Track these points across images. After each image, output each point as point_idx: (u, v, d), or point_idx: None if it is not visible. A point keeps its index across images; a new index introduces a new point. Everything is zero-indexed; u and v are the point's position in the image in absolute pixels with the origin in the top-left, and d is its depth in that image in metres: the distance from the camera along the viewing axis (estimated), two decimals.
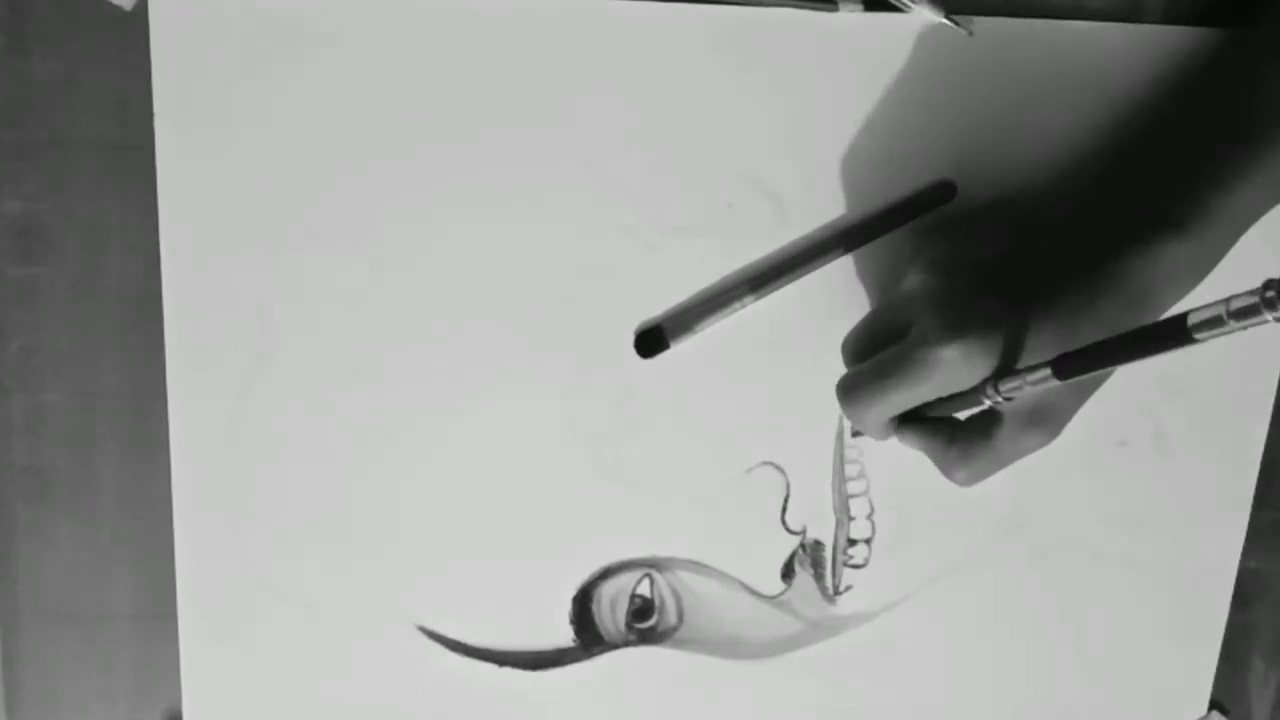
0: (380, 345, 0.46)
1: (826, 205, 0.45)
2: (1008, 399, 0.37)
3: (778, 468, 0.48)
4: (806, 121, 0.45)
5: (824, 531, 0.49)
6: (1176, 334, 0.29)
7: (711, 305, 0.46)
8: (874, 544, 0.49)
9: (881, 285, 0.46)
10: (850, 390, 0.41)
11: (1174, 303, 0.40)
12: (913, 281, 0.41)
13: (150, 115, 0.43)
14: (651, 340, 0.46)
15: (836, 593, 0.50)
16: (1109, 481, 0.49)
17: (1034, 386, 0.36)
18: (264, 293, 0.45)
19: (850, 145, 0.45)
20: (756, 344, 0.47)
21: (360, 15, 0.43)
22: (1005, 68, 0.44)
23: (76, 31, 0.43)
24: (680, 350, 0.47)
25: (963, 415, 0.41)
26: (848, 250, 0.45)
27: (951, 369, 0.38)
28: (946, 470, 0.41)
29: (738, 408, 0.47)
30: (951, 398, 0.39)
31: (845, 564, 0.49)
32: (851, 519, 0.49)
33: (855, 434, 0.48)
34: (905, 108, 0.45)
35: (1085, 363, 0.34)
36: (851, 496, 0.49)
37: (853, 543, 0.49)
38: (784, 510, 0.49)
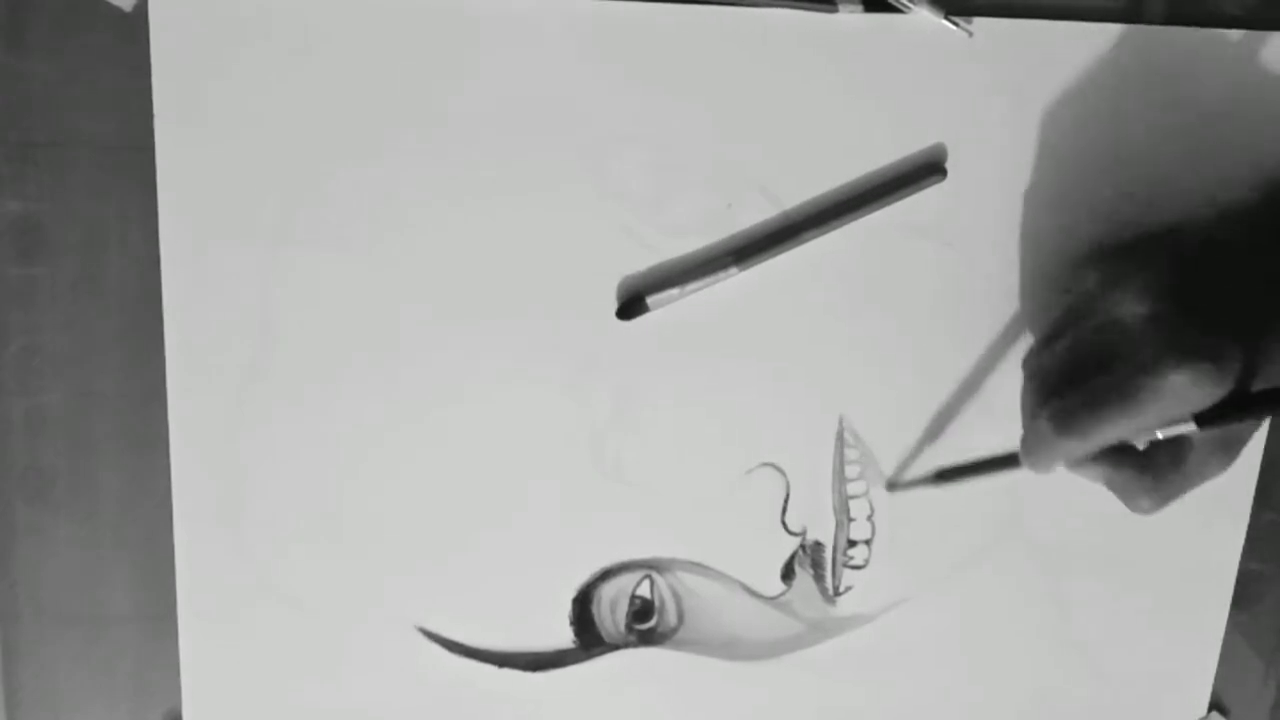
0: (380, 345, 0.46)
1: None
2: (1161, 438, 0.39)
3: (778, 468, 0.48)
4: (807, 121, 0.45)
5: (824, 532, 0.49)
6: None
7: (696, 272, 0.45)
8: (874, 545, 0.49)
9: (893, 289, 0.46)
10: (1068, 420, 0.39)
11: None
12: (1127, 309, 0.40)
13: (150, 115, 0.43)
14: (632, 302, 0.46)
15: (836, 593, 0.50)
16: None
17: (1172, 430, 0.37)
18: (264, 293, 0.45)
19: (850, 145, 0.45)
20: (757, 344, 0.47)
21: (361, 15, 0.43)
22: (1006, 68, 0.44)
23: (76, 31, 0.43)
24: (681, 350, 0.47)
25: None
26: (833, 222, 0.45)
27: (1177, 396, 0.37)
28: (1132, 499, 0.41)
29: (738, 408, 0.47)
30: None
31: (845, 565, 0.49)
32: (851, 520, 0.49)
33: (1025, 459, 0.43)
34: (905, 108, 0.45)
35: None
36: (851, 497, 0.49)
37: (853, 543, 0.49)
38: (784, 511, 0.49)
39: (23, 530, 0.47)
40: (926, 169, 0.45)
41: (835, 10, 0.43)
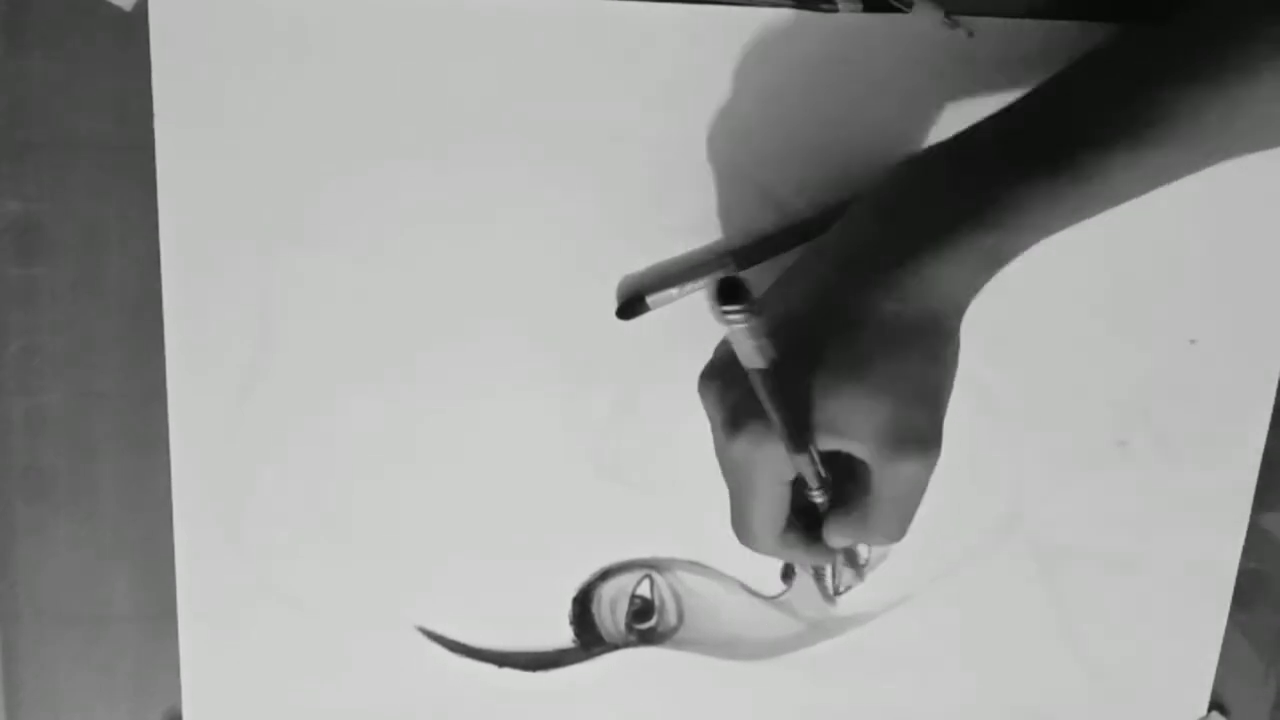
0: (380, 345, 0.46)
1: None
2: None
3: None
4: (807, 121, 0.45)
5: None
6: None
7: (696, 272, 0.45)
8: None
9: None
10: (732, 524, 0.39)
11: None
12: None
13: (150, 115, 0.43)
14: (631, 303, 0.46)
15: (836, 593, 0.49)
16: (1108, 482, 0.49)
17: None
18: (264, 293, 0.45)
19: (851, 145, 0.45)
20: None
21: (360, 15, 0.43)
22: (1005, 68, 0.44)
23: (76, 31, 0.43)
24: (681, 350, 0.47)
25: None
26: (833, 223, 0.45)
27: (755, 463, 0.35)
28: (870, 539, 0.38)
29: None
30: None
31: (845, 564, 0.49)
32: None
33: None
34: (905, 108, 0.45)
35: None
36: None
37: None
38: None
39: (23, 530, 0.47)
40: None
41: (835, 10, 0.43)
